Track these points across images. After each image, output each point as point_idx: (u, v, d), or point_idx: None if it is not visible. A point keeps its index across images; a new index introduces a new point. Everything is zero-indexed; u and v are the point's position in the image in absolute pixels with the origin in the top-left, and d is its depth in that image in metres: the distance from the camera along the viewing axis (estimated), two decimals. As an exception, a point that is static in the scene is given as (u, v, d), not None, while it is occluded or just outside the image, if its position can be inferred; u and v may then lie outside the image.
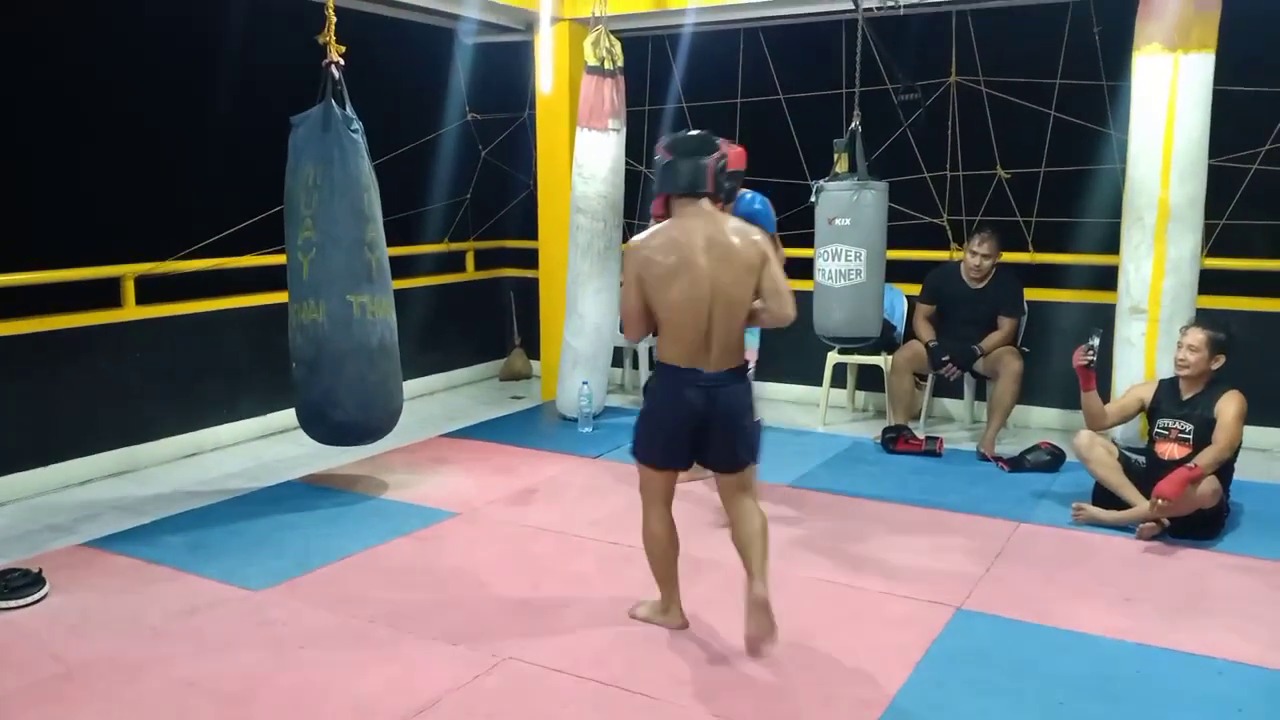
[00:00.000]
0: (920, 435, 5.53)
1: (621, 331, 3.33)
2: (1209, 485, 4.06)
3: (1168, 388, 4.45)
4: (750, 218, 4.12)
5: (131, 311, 5.20)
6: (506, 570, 3.89)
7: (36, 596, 3.58)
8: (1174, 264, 4.91)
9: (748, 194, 4.45)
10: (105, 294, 5.15)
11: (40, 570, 3.68)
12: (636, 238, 3.20)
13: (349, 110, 4.51)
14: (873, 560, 3.98)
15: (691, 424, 3.13)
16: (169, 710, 2.91)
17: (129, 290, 5.18)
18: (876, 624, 3.44)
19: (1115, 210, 5.25)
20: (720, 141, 3.25)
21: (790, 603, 3.58)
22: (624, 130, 5.94)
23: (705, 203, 3.15)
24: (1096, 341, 4.35)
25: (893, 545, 4.14)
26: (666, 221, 3.16)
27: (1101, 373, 4.56)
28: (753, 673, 3.11)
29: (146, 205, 5.39)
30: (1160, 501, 4.02)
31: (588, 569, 3.91)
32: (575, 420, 5.94)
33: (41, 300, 4.93)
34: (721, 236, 3.11)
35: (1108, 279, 5.39)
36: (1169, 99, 4.82)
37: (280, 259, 4.81)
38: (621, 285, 3.31)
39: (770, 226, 4.34)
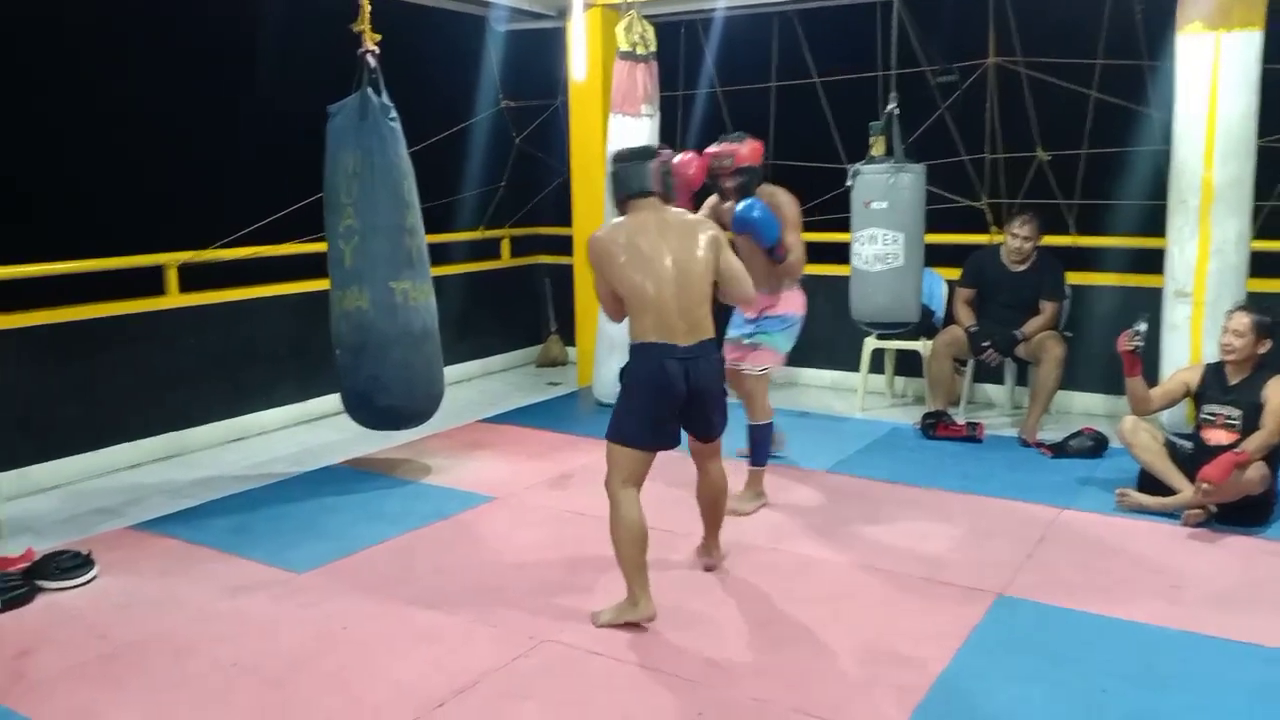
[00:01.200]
0: (960, 421, 5.48)
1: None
2: (1257, 471, 3.99)
3: (1214, 372, 4.37)
4: (747, 224, 4.13)
5: (175, 299, 5.27)
6: (543, 553, 3.91)
7: (86, 578, 3.66)
8: (1218, 246, 4.81)
9: (745, 203, 4.20)
10: (149, 282, 5.23)
11: (89, 552, 3.75)
12: (595, 232, 3.44)
13: (385, 98, 4.54)
14: (912, 546, 3.96)
15: (673, 397, 3.26)
16: (213, 690, 2.96)
17: (172, 278, 5.25)
18: (917, 610, 3.42)
19: (1159, 192, 5.15)
20: (661, 149, 3.59)
21: (830, 588, 3.60)
22: (657, 115, 5.92)
23: (654, 200, 3.40)
24: (1143, 327, 4.26)
25: (932, 531, 4.11)
26: (621, 217, 3.42)
27: (1147, 357, 4.49)
28: (791, 657, 3.11)
29: (188, 195, 5.46)
30: (1205, 486, 3.96)
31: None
32: (611, 406, 5.93)
33: (90, 288, 5.03)
34: (673, 220, 3.38)
35: (1152, 262, 5.29)
36: (1211, 78, 4.71)
37: (319, 246, 4.86)
38: None
39: (772, 229, 4.14)
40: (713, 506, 3.66)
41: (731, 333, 4.53)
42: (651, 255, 3.29)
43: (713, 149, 4.31)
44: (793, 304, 4.44)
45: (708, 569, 3.73)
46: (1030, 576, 3.65)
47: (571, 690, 2.94)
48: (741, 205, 4.14)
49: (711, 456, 3.56)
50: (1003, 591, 3.52)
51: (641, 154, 3.46)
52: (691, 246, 3.33)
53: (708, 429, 3.45)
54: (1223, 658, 3.07)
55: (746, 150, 4.26)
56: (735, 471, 4.55)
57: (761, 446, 4.41)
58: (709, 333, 3.33)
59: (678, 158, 4.10)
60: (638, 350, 3.30)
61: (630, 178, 3.41)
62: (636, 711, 2.82)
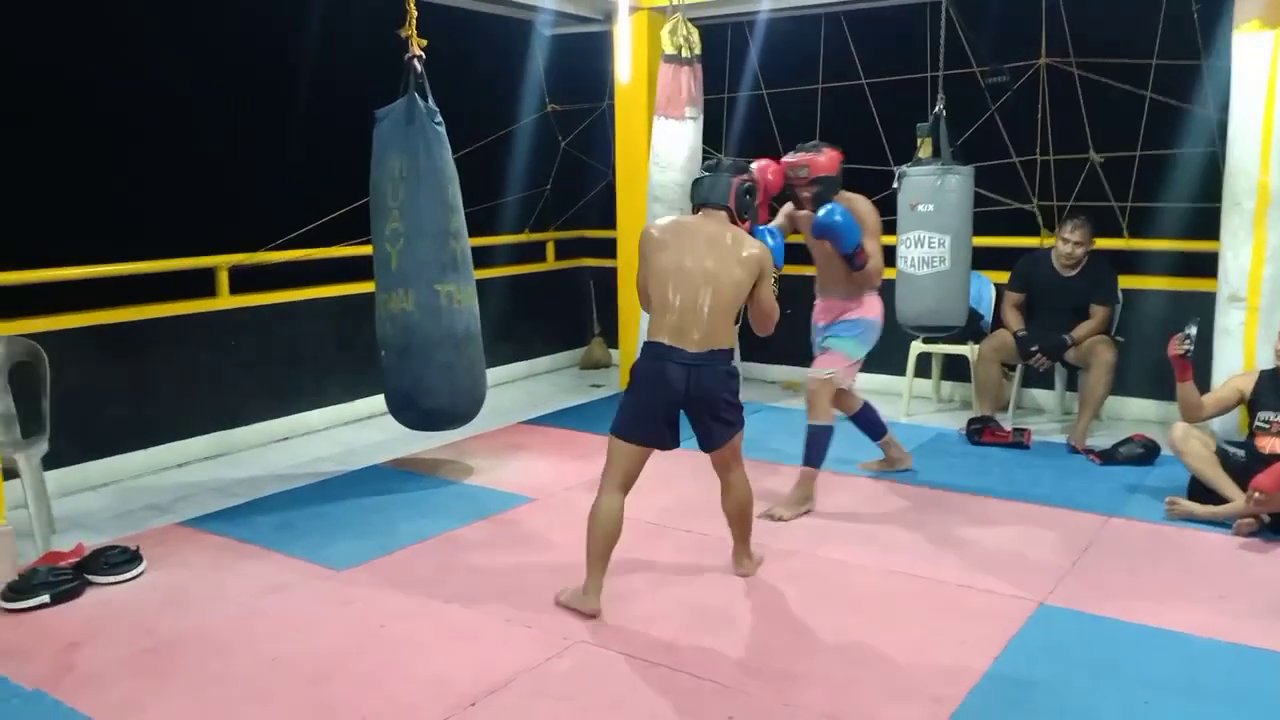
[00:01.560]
0: (1007, 427, 5.40)
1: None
2: (1313, 480, 3.87)
3: (1269, 379, 4.25)
4: (829, 229, 4.13)
5: (225, 301, 5.38)
6: (581, 555, 3.87)
7: (134, 573, 3.74)
8: (1274, 251, 4.68)
9: (827, 208, 4.21)
10: (201, 284, 5.34)
11: (138, 548, 3.84)
12: (651, 224, 3.53)
13: (431, 103, 4.59)
14: (954, 553, 3.90)
15: (669, 400, 3.31)
16: (253, 685, 3.01)
17: (223, 280, 5.36)
18: (955, 617, 3.37)
19: (1215, 195, 5.03)
20: (753, 168, 3.67)
21: (867, 594, 3.56)
22: (701, 118, 5.92)
23: (722, 215, 3.46)
24: (1193, 331, 4.16)
25: (975, 538, 4.06)
26: (683, 216, 3.53)
27: (1200, 363, 4.38)
28: (825, 664, 3.08)
29: (239, 199, 5.57)
30: (1257, 495, 3.85)
31: (660, 556, 3.92)
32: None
33: (142, 290, 5.15)
34: (723, 236, 3.39)
35: (1207, 266, 5.17)
36: (1269, 78, 4.59)
37: (365, 250, 4.92)
38: None
39: (853, 235, 4.16)
40: (739, 518, 3.65)
41: (813, 339, 4.60)
42: (688, 259, 3.34)
43: (789, 158, 4.31)
44: (869, 309, 4.42)
45: (742, 576, 3.71)
46: (1074, 585, 3.58)
47: (603, 692, 2.94)
48: (823, 211, 4.14)
49: (729, 467, 3.56)
50: (1045, 600, 3.46)
51: (731, 167, 3.53)
52: (731, 265, 3.35)
53: (707, 438, 3.47)
54: (1269, 670, 2.99)
55: (824, 160, 4.25)
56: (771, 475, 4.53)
57: (816, 448, 4.36)
58: (724, 344, 3.37)
59: (756, 164, 4.10)
60: (647, 348, 3.36)
61: (706, 187, 3.48)
62: (666, 714, 2.81)
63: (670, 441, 3.42)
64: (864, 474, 4.86)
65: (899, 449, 4.86)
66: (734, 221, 3.48)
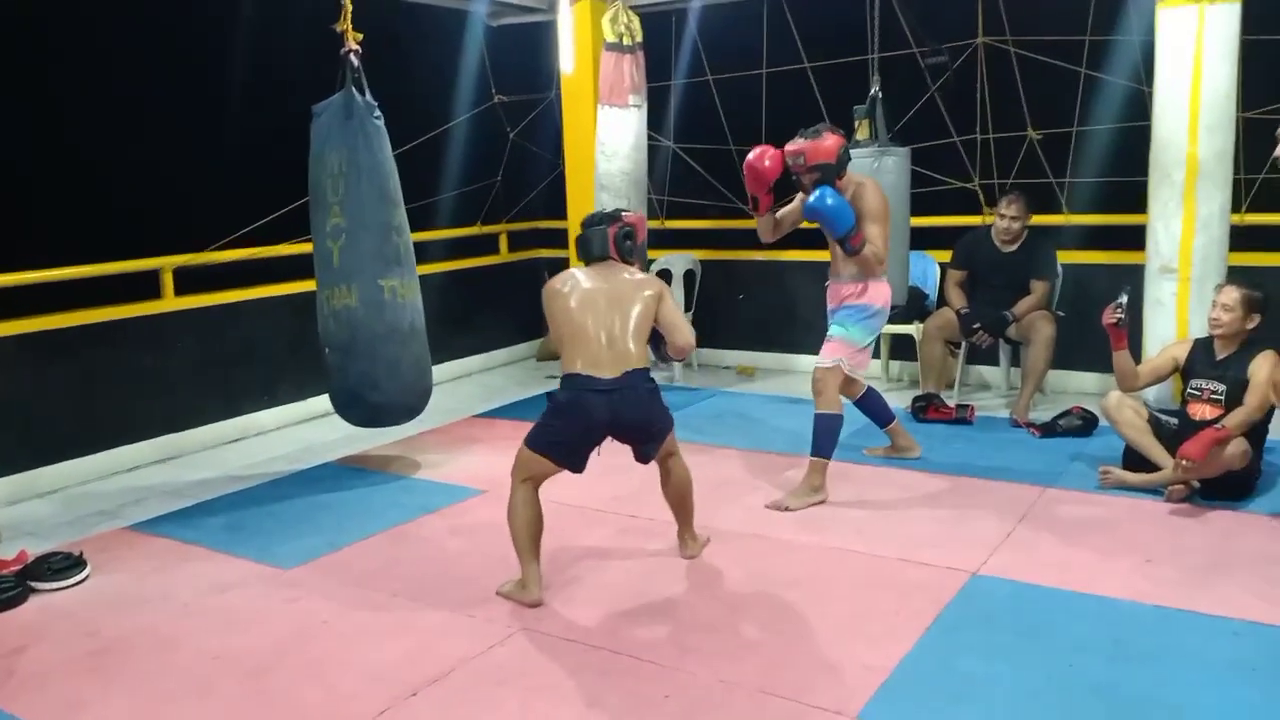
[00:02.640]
0: (952, 403, 5.48)
1: None
2: (1238, 446, 3.97)
3: (1202, 347, 4.35)
4: (816, 214, 4.12)
5: (171, 302, 5.36)
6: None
7: (78, 578, 3.74)
8: (1204, 221, 4.79)
9: (817, 192, 4.15)
10: (145, 286, 5.32)
11: (81, 553, 3.83)
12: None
13: (369, 97, 4.60)
14: (892, 528, 3.98)
15: (589, 428, 3.42)
16: (194, 681, 3.03)
17: (168, 282, 5.34)
18: (890, 591, 3.43)
19: (1144, 168, 5.12)
20: (622, 214, 3.74)
21: (804, 571, 3.63)
22: (645, 106, 5.95)
23: (610, 262, 3.64)
24: (1125, 299, 4.23)
25: (914, 513, 4.13)
26: (576, 269, 3.68)
27: (1132, 334, 4.47)
28: (759, 638, 3.14)
29: (181, 199, 5.54)
30: (1185, 463, 3.94)
31: (606, 542, 3.97)
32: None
33: (86, 293, 5.11)
34: (620, 277, 3.59)
35: (1137, 238, 5.27)
36: (1195, 51, 4.68)
37: (309, 247, 4.92)
38: None
39: (842, 219, 4.10)
40: (679, 503, 3.75)
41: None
42: (591, 297, 3.50)
43: (789, 145, 4.20)
44: (875, 295, 4.31)
45: (688, 559, 3.76)
46: (1007, 555, 3.66)
47: (543, 676, 2.98)
48: (813, 195, 4.10)
49: (663, 456, 3.65)
50: (977, 570, 3.54)
51: (602, 220, 3.68)
52: (630, 291, 3.53)
53: (642, 455, 3.59)
54: (1191, 631, 3.07)
55: (821, 146, 4.13)
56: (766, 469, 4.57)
57: (824, 437, 4.26)
58: (637, 363, 3.45)
59: (751, 154, 4.18)
60: (566, 380, 3.46)
61: (590, 243, 3.65)
62: (605, 696, 2.86)
63: (582, 465, 3.52)
64: (872, 460, 4.79)
65: (907, 437, 4.79)
66: (625, 264, 3.66)
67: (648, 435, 3.53)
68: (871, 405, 4.70)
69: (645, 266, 3.77)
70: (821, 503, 4.25)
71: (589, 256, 3.65)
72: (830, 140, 4.14)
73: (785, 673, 2.93)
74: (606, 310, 3.48)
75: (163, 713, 2.89)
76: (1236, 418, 4.00)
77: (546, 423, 3.49)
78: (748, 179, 4.25)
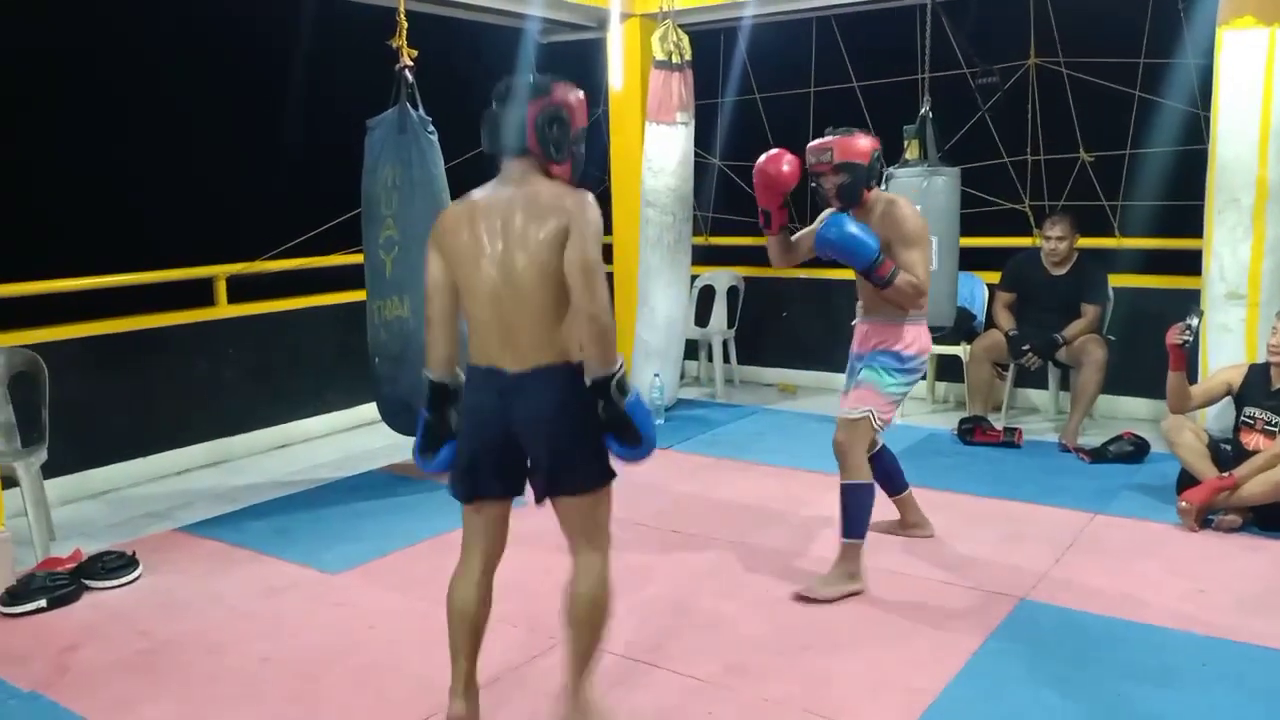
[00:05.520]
0: (999, 426, 5.42)
1: None
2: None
3: (1258, 374, 4.27)
4: (827, 246, 3.44)
5: (224, 310, 5.45)
6: (569, 557, 3.96)
7: (130, 578, 3.81)
8: (1272, 245, 4.71)
9: (828, 220, 3.51)
10: (199, 294, 5.42)
11: (134, 553, 3.91)
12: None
13: (422, 112, 4.67)
14: (939, 551, 3.94)
15: (490, 438, 2.52)
16: (244, 685, 3.07)
17: (221, 290, 5.43)
18: (937, 614, 3.40)
19: (1196, 192, 5.05)
20: (557, 86, 2.54)
21: (848, 591, 3.59)
22: (692, 124, 5.97)
23: (527, 164, 2.51)
24: (1195, 322, 4.14)
25: (962, 536, 4.09)
26: (480, 187, 2.57)
27: (1190, 358, 4.39)
28: (805, 660, 3.12)
29: (236, 209, 5.66)
30: (1183, 505, 3.99)
31: (648, 557, 3.96)
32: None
33: (141, 300, 5.23)
34: (520, 204, 2.45)
35: (1187, 263, 5.20)
36: (1265, 74, 4.61)
37: (361, 258, 4.99)
38: None
39: (861, 250, 3.41)
40: (573, 628, 2.60)
41: (848, 371, 3.85)
42: (483, 247, 2.46)
43: (814, 142, 3.57)
44: (915, 342, 3.60)
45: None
46: (1056, 581, 3.61)
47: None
48: (824, 223, 3.49)
49: (575, 542, 2.61)
50: (1026, 596, 3.49)
51: (528, 89, 2.50)
52: (534, 247, 2.42)
53: (539, 484, 2.57)
54: (1242, 661, 3.02)
55: (851, 143, 3.49)
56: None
57: (855, 514, 3.56)
58: (553, 355, 2.47)
59: (763, 157, 3.56)
60: (467, 374, 2.59)
61: (492, 127, 2.53)
62: (647, 711, 2.86)
63: (502, 488, 2.61)
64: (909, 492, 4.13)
65: (919, 513, 4.09)
66: (545, 170, 2.52)
67: (545, 444, 2.51)
68: (883, 467, 3.93)
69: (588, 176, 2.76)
70: (858, 593, 3.52)
71: (491, 148, 2.55)
72: (865, 140, 3.52)
73: (830, 693, 2.92)
74: (500, 276, 2.44)
75: (211, 715, 2.93)
76: (1249, 467, 3.99)
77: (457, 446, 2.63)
78: (759, 187, 3.57)
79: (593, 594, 2.59)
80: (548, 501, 2.62)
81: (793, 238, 3.77)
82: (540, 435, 2.50)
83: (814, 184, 3.62)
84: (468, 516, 2.69)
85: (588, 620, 2.60)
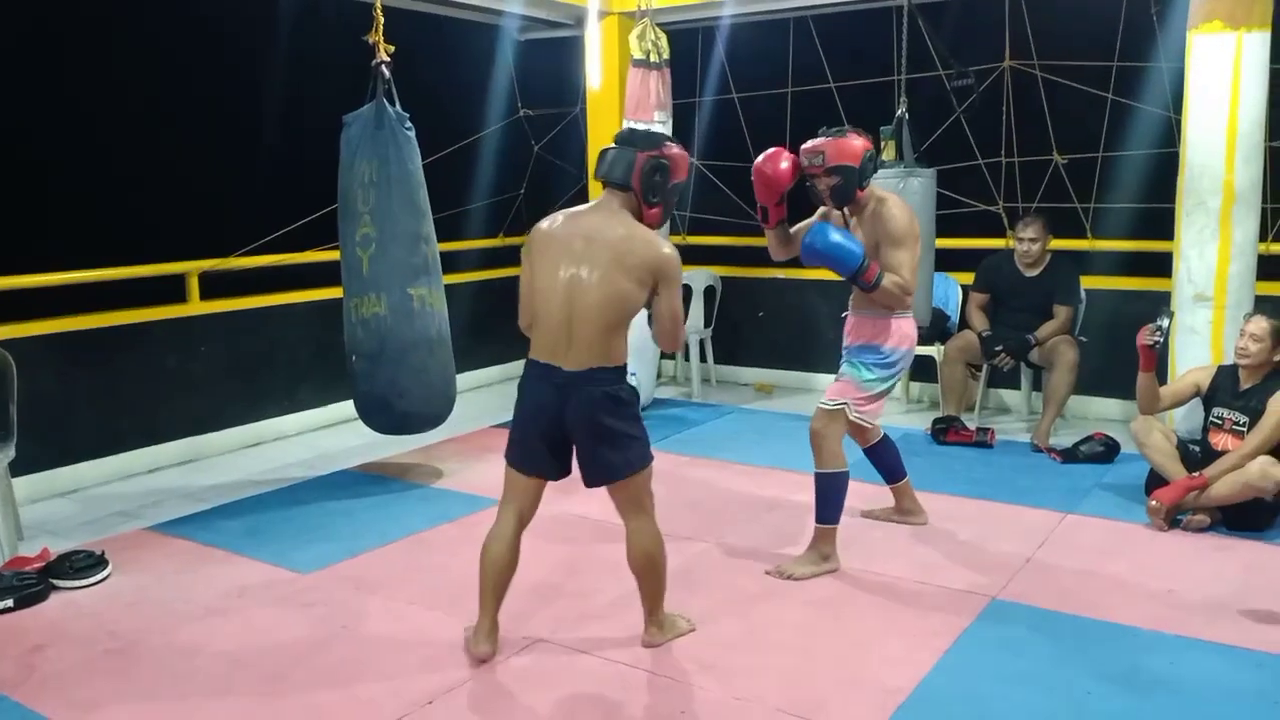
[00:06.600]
0: (972, 426, 5.46)
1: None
2: (1269, 478, 3.90)
3: (1227, 375, 4.32)
4: (813, 256, 3.60)
5: (196, 307, 5.40)
6: (546, 556, 3.95)
7: (99, 577, 3.76)
8: (1239, 248, 4.76)
9: (811, 231, 3.65)
10: (171, 290, 5.36)
11: (103, 552, 3.86)
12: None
13: (399, 108, 4.64)
14: (912, 550, 3.96)
15: (544, 424, 2.98)
16: (213, 683, 3.05)
17: (193, 286, 5.38)
18: (908, 613, 3.42)
19: (1165, 194, 5.10)
20: (668, 144, 3.04)
21: (823, 591, 3.61)
22: (670, 122, 5.97)
23: (621, 199, 2.98)
24: (1166, 323, 4.18)
25: (934, 535, 4.11)
26: (576, 206, 3.08)
27: (1159, 359, 4.43)
28: (777, 657, 3.13)
29: (209, 204, 5.60)
30: (1153, 504, 4.04)
31: (621, 555, 3.93)
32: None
33: (112, 296, 5.16)
34: (610, 232, 2.91)
35: (1157, 265, 5.25)
36: (1232, 78, 4.66)
37: (336, 254, 4.96)
38: None
39: (846, 258, 3.58)
40: (638, 577, 3.14)
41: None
42: (566, 261, 2.91)
43: (807, 144, 3.65)
44: (899, 336, 3.72)
45: (646, 647, 3.19)
46: (1027, 581, 3.64)
47: (559, 689, 2.98)
48: (808, 234, 3.61)
49: (627, 514, 3.08)
50: (997, 596, 3.51)
51: (639, 140, 3.00)
52: (613, 271, 2.88)
53: (586, 470, 3.05)
54: (1211, 661, 3.05)
55: (843, 146, 3.56)
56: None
57: (828, 500, 3.71)
58: (605, 360, 2.92)
59: (761, 157, 3.67)
60: (526, 366, 3.05)
61: (608, 160, 3.00)
62: (620, 709, 2.86)
63: (552, 472, 3.08)
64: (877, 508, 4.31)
65: (914, 500, 4.22)
66: (639, 209, 2.99)
67: (596, 437, 2.96)
68: (883, 457, 4.13)
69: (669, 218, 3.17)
70: (833, 572, 3.71)
71: (603, 177, 3.00)
72: (857, 141, 3.58)
73: (803, 692, 2.92)
74: (573, 286, 2.88)
75: (181, 715, 2.90)
76: (1223, 464, 4.02)
77: (512, 424, 3.11)
78: (757, 185, 3.72)
79: (647, 550, 3.09)
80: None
81: (791, 230, 3.89)
82: (589, 429, 2.94)
83: (808, 184, 3.70)
84: (511, 477, 3.10)
85: (649, 570, 3.11)
